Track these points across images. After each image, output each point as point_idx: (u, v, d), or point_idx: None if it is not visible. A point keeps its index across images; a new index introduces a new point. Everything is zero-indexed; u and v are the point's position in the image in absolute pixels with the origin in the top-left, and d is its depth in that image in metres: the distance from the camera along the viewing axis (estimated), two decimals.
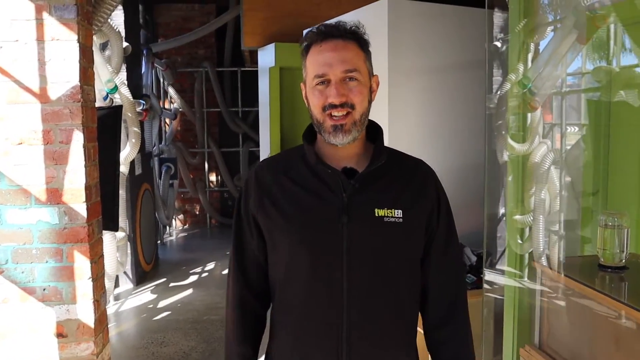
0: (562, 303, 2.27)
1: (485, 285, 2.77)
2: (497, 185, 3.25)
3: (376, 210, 1.23)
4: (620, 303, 1.54)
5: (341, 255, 1.22)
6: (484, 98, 3.17)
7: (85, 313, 2.32)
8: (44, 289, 2.28)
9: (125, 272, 5.13)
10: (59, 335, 2.31)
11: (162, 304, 4.81)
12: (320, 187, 1.26)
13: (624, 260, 1.76)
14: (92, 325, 2.33)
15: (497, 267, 3.22)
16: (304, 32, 1.29)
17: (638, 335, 1.49)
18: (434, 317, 1.33)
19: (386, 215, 1.23)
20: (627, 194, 2.52)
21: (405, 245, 1.27)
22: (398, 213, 1.24)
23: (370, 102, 1.27)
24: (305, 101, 1.29)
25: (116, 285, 5.01)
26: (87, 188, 2.28)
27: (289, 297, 1.29)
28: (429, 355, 1.36)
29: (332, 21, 1.31)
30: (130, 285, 5.26)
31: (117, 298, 4.92)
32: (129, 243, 4.98)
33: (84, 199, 2.25)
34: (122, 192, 4.24)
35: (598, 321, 1.73)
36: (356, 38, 1.25)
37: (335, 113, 1.21)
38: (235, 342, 1.37)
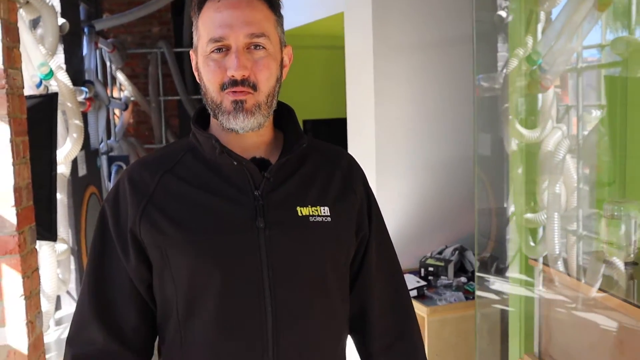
0: (581, 314, 2.36)
1: (479, 293, 2.84)
2: (502, 179, 3.33)
3: (299, 208, 1.18)
4: (629, 304, 1.62)
5: (260, 271, 1.14)
6: (472, 78, 3.24)
7: (16, 337, 2.36)
8: None
9: (68, 292, 5.15)
10: None
11: None
12: (222, 184, 1.17)
13: (632, 255, 1.84)
14: (26, 352, 2.37)
15: (508, 274, 3.29)
16: None
17: None
18: (380, 340, 1.30)
19: (311, 214, 1.18)
20: None
21: (336, 250, 1.22)
22: (324, 210, 1.19)
23: (279, 80, 1.19)
24: (196, 74, 1.19)
25: (58, 307, 5.04)
26: (17, 190, 2.32)
27: (193, 334, 1.17)
28: None
29: None
30: (72, 309, 5.28)
31: (58, 322, 4.95)
32: (72, 257, 5.01)
33: (12, 203, 2.30)
34: (62, 197, 4.26)
35: (603, 329, 1.82)
36: None
37: (234, 91, 1.12)
38: None
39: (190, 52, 1.21)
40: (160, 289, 1.19)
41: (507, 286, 3.01)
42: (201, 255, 1.14)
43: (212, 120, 1.20)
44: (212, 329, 1.15)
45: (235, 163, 1.16)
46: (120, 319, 1.18)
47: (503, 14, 3.31)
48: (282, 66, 1.19)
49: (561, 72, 2.82)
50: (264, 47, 1.13)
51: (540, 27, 2.84)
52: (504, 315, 3.02)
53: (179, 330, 1.17)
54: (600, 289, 1.80)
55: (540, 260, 2.59)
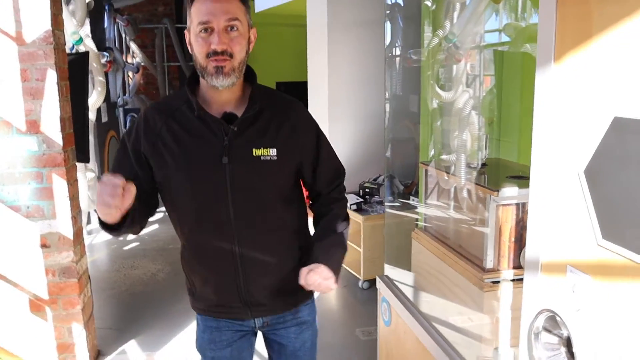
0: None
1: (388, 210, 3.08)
2: (427, 130, 3.57)
3: (254, 150, 1.31)
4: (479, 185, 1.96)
5: (225, 191, 1.31)
6: (383, 52, 3.38)
7: (64, 227, 2.57)
8: (28, 207, 2.53)
9: (95, 210, 5.35)
10: (43, 245, 2.57)
11: (130, 236, 5.08)
12: (204, 130, 1.32)
13: (484, 159, 2.16)
14: (71, 237, 2.59)
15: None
16: None
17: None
18: (320, 193, 1.48)
19: (263, 154, 1.31)
20: (513, 123, 2.94)
21: (280, 177, 1.37)
22: (273, 152, 1.32)
23: (247, 52, 1.32)
24: (189, 47, 1.32)
25: (89, 222, 5.23)
26: (62, 120, 2.49)
27: (188, 222, 1.38)
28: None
29: None
30: None
31: (89, 233, 5.15)
32: (98, 184, 5.18)
33: (59, 129, 2.47)
34: (90, 138, 4.43)
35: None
36: None
37: (216, 59, 1.25)
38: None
39: (185, 32, 1.33)
40: (162, 187, 1.37)
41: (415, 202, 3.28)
42: (186, 176, 1.33)
43: (201, 80, 1.33)
44: (195, 222, 1.36)
45: (212, 118, 1.31)
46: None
47: (429, 3, 3.48)
48: (249, 42, 1.32)
49: (469, 49, 3.00)
50: (237, 29, 1.26)
51: (455, 14, 2.99)
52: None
53: (177, 219, 1.40)
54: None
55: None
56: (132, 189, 1.14)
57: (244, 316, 1.46)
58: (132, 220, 1.26)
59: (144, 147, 1.34)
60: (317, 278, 1.27)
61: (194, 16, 1.27)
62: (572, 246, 1.06)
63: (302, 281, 1.28)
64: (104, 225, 1.25)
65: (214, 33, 1.24)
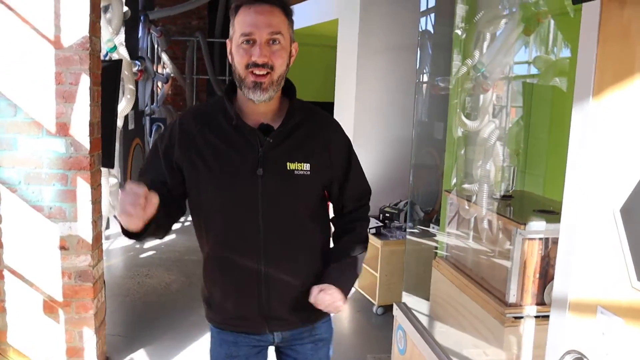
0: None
1: (408, 236, 3.04)
2: (452, 158, 3.53)
3: (288, 163, 1.31)
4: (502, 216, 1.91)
5: (256, 203, 1.31)
6: (414, 78, 3.34)
7: (84, 230, 2.59)
8: (50, 208, 2.56)
9: (114, 216, 5.39)
10: (62, 247, 2.59)
11: (147, 245, 5.10)
12: (239, 140, 1.31)
13: (510, 191, 2.12)
14: (90, 241, 2.60)
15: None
16: None
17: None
18: (345, 208, 1.48)
19: (296, 169, 1.31)
20: (540, 156, 2.89)
21: (311, 193, 1.36)
22: (306, 167, 1.32)
23: (288, 65, 1.32)
24: (230, 57, 1.32)
25: (107, 227, 5.27)
26: (91, 124, 2.52)
27: (215, 232, 1.37)
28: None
29: None
30: (119, 229, 5.53)
31: (107, 238, 5.19)
32: (120, 190, 5.23)
33: (87, 133, 2.50)
34: (116, 144, 4.48)
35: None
36: (282, 6, 1.29)
37: (256, 71, 1.25)
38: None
39: (227, 41, 1.32)
40: (191, 194, 1.37)
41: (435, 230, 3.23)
42: (217, 185, 1.32)
43: (239, 91, 1.33)
44: (224, 229, 1.35)
45: (248, 128, 1.30)
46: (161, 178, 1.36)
47: (459, 32, 3.48)
48: (290, 56, 1.32)
49: (497, 79, 2.97)
50: (279, 42, 1.26)
51: (485, 44, 2.97)
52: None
53: (206, 227, 1.38)
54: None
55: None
56: (154, 200, 1.13)
57: (261, 330, 1.44)
58: (155, 228, 1.25)
59: (176, 152, 1.34)
60: (327, 298, 1.29)
61: (237, 27, 1.27)
62: (604, 286, 1.02)
63: (312, 299, 1.30)
64: (126, 232, 1.24)
65: (256, 45, 1.24)
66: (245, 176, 1.30)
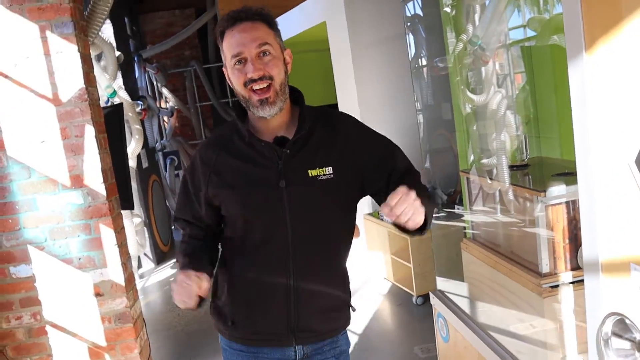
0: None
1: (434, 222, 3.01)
2: (464, 136, 3.48)
3: (309, 171, 1.30)
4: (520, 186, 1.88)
5: (284, 216, 1.30)
6: (409, 64, 3.30)
7: (115, 274, 2.62)
8: (79, 258, 2.60)
9: (145, 254, 5.47)
10: (97, 294, 2.63)
11: None
12: (257, 157, 1.32)
13: (526, 160, 2.08)
14: (123, 284, 2.64)
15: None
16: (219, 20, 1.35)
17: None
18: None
19: (319, 174, 1.29)
20: (551, 118, 2.83)
21: (338, 196, 1.33)
22: (329, 170, 1.30)
23: (287, 72, 1.31)
24: (230, 83, 1.33)
25: (140, 266, 5.35)
26: (103, 171, 2.56)
27: (243, 253, 1.38)
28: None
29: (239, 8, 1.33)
30: (151, 265, 5.61)
31: (141, 276, 5.26)
32: (145, 228, 5.30)
33: (101, 180, 2.54)
34: (133, 184, 4.54)
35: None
36: (262, 18, 1.29)
37: (256, 87, 1.26)
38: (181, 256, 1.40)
39: (223, 69, 1.34)
40: (226, 220, 1.41)
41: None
42: (243, 204, 1.34)
43: (249, 111, 1.34)
44: (254, 245, 1.36)
45: (263, 143, 1.31)
46: (197, 218, 1.44)
47: (448, 9, 3.44)
48: (285, 63, 1.32)
49: (496, 49, 2.92)
50: (269, 53, 1.26)
51: (476, 16, 2.91)
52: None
53: (237, 243, 1.40)
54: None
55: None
56: (204, 285, 1.22)
57: (287, 343, 1.41)
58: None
59: (202, 186, 1.37)
60: (412, 196, 1.12)
61: (227, 51, 1.28)
62: (633, 242, 0.99)
63: (386, 209, 1.12)
64: None
65: (248, 62, 1.25)
66: (269, 190, 1.30)
